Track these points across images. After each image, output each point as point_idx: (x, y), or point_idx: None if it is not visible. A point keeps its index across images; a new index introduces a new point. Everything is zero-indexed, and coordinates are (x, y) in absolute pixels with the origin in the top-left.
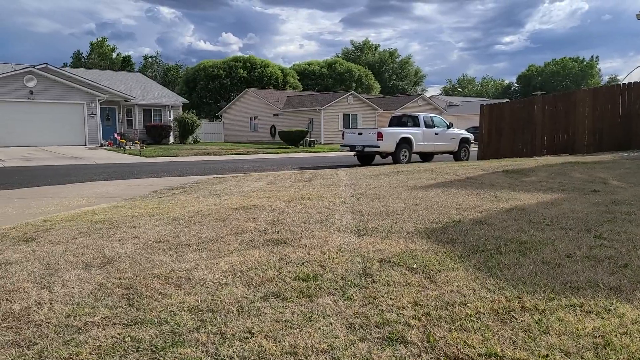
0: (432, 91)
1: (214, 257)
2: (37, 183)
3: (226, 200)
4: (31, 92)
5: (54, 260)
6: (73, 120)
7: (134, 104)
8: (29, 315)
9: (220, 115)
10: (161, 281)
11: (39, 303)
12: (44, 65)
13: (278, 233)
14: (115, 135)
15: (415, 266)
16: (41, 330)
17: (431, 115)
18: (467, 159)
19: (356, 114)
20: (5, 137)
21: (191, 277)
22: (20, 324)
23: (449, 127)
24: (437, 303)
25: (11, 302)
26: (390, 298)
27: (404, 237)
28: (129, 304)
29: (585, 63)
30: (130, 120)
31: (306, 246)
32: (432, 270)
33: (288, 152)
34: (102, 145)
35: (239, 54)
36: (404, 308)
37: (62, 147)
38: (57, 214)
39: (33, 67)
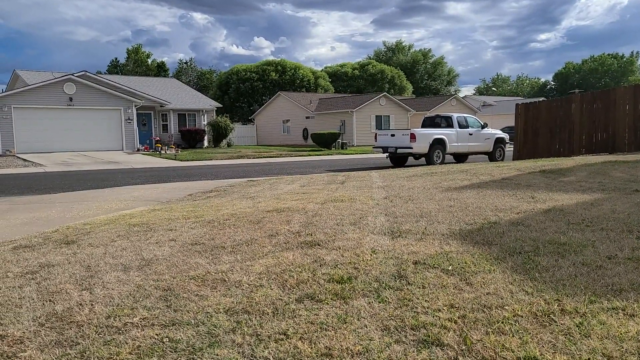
0: (466, 91)
1: (249, 260)
2: (77, 187)
3: (260, 203)
4: (70, 99)
5: (94, 262)
6: (110, 125)
7: (169, 109)
8: (71, 316)
9: (253, 119)
10: (197, 283)
11: (80, 304)
12: (83, 73)
13: (311, 235)
14: (153, 139)
15: (450, 268)
16: (83, 330)
17: (465, 115)
18: (502, 160)
19: (388, 116)
20: (46, 143)
21: (226, 279)
22: (62, 325)
23: (483, 127)
24: (474, 305)
25: (54, 303)
26: (426, 300)
27: (439, 239)
28: (167, 306)
29: (624, 59)
30: (166, 124)
31: (340, 248)
32: (467, 272)
33: (320, 155)
34: (138, 149)
35: (271, 57)
36: (439, 310)
37: (101, 152)
38: (96, 217)
39: (72, 75)
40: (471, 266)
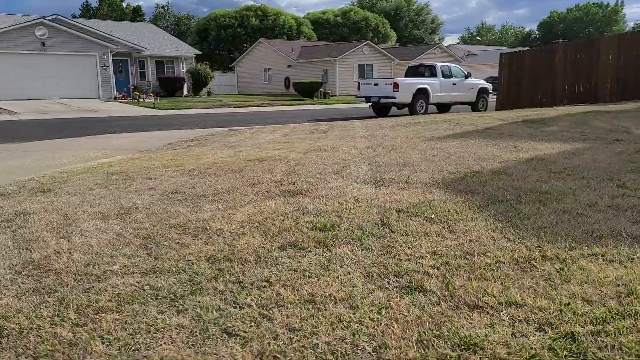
0: (450, 40)
1: (230, 208)
2: (54, 136)
3: (241, 152)
4: (43, 44)
5: (72, 210)
6: (86, 72)
7: (147, 56)
8: (48, 264)
9: (234, 67)
10: (178, 231)
11: (58, 252)
12: (55, 16)
13: (294, 184)
14: (130, 87)
15: (433, 216)
16: (61, 278)
17: (449, 64)
18: (485, 110)
19: (372, 65)
20: (20, 90)
21: (208, 227)
22: (40, 273)
23: (467, 77)
24: (456, 252)
25: (31, 252)
26: (409, 248)
27: (422, 188)
28: (147, 254)
29: (609, 8)
30: (143, 72)
31: (323, 197)
32: (450, 220)
33: (302, 104)
34: (115, 98)
35: (251, 2)
36: (422, 257)
37: (77, 100)
38: (73, 166)
39: (44, 19)
40: (454, 214)
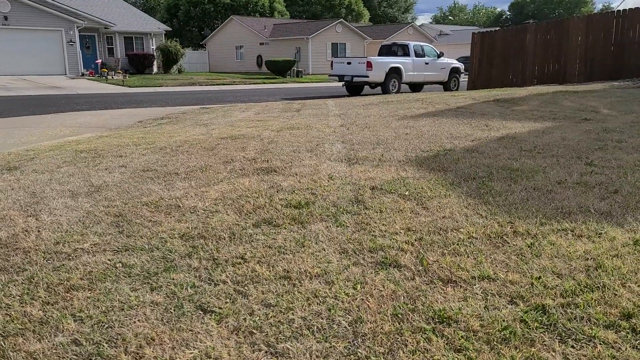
0: (423, 19)
1: (204, 186)
2: (19, 113)
3: (214, 130)
4: (5, 18)
5: (40, 188)
6: (52, 48)
7: (115, 32)
8: (16, 242)
9: (205, 44)
10: (150, 209)
11: (26, 230)
12: None
13: (268, 162)
14: (97, 63)
15: (407, 193)
16: (30, 257)
17: (421, 44)
18: (457, 89)
19: (345, 43)
20: None
21: (181, 205)
22: (7, 251)
23: (439, 56)
24: (430, 229)
25: None
26: (383, 224)
27: (395, 166)
28: (119, 231)
29: None
30: (111, 48)
31: (297, 175)
32: (424, 197)
33: (275, 83)
34: (83, 74)
35: None
36: (396, 234)
37: (42, 76)
38: (40, 143)
39: None
40: (427, 191)
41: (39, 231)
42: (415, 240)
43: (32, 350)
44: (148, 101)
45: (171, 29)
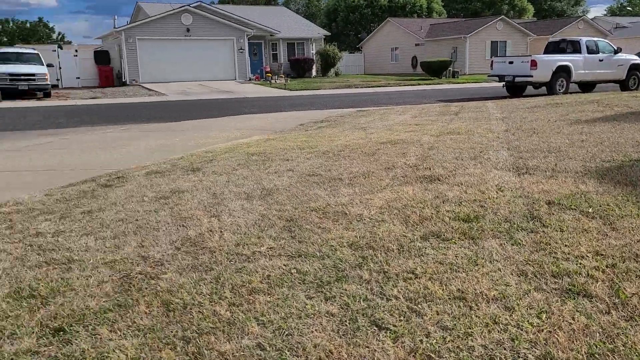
0: (595, 12)
1: (367, 193)
2: (197, 115)
3: (372, 134)
4: (187, 30)
5: (219, 190)
6: (224, 56)
7: (279, 38)
8: (203, 241)
9: (361, 47)
10: (319, 215)
11: (210, 230)
12: (198, 3)
13: (430, 169)
14: (263, 69)
15: (590, 210)
16: (215, 257)
17: (595, 39)
18: (637, 89)
19: (505, 41)
20: (165, 73)
21: (347, 212)
22: (196, 250)
23: (616, 52)
24: (623, 254)
25: (187, 229)
26: (565, 245)
27: (572, 177)
28: (291, 236)
29: None
30: (275, 54)
31: (462, 184)
32: (611, 216)
33: (430, 84)
34: (250, 79)
35: None
36: (583, 257)
37: (215, 81)
38: (216, 145)
39: (189, 6)
40: (615, 209)
41: (221, 232)
42: (607, 266)
43: (223, 350)
44: (308, 104)
45: (330, 34)
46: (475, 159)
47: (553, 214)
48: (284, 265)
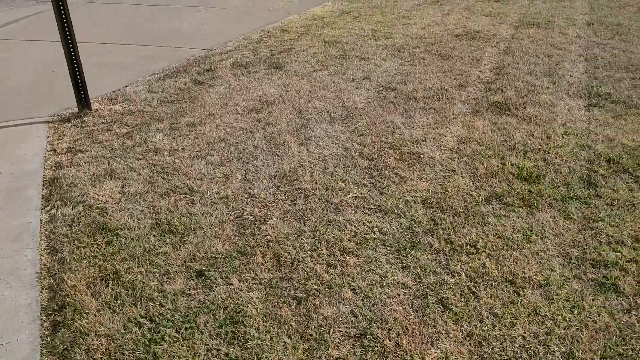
0: None
1: (440, 124)
2: None
3: (449, 15)
4: None
5: (304, 105)
6: None
7: None
8: (297, 179)
9: None
10: (395, 156)
11: (301, 165)
12: None
13: (502, 91)
14: None
15: None
16: (309, 202)
17: None
18: None
19: None
20: None
21: (421, 154)
22: (292, 190)
23: None
24: None
25: (281, 160)
26: (611, 225)
27: None
28: (372, 184)
29: None
30: None
31: (530, 120)
32: None
33: None
34: None
35: None
36: (622, 244)
37: None
38: (290, 17)
39: None
40: None
41: (311, 168)
42: None
43: (326, 315)
44: None
45: None
46: (549, 75)
47: (609, 177)
48: (368, 222)
